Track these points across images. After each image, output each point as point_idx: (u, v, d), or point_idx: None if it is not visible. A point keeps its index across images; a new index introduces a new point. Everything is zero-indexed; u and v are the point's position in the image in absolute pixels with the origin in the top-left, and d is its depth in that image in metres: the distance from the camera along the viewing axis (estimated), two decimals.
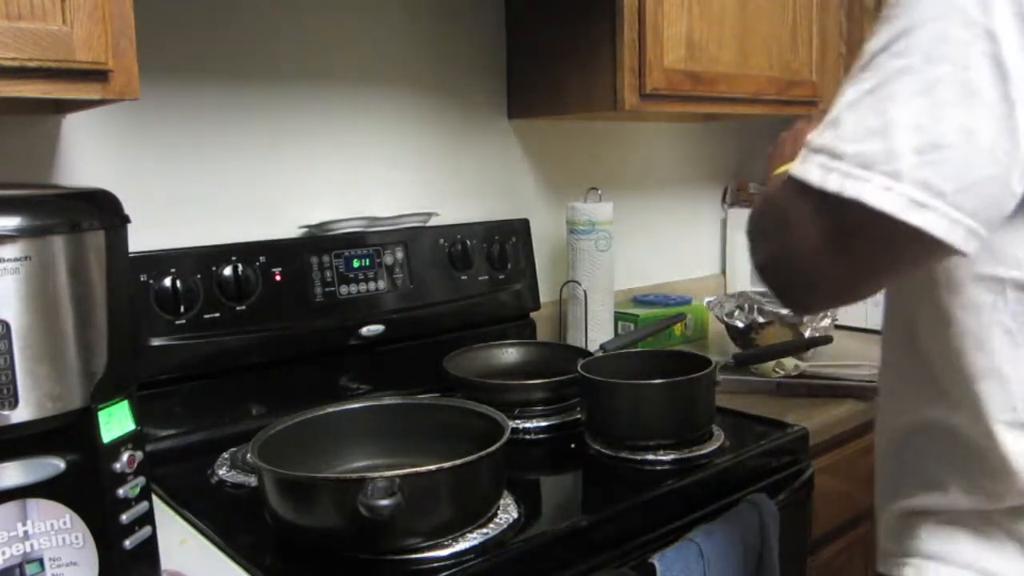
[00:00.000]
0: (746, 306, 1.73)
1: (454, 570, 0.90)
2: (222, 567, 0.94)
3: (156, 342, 1.23)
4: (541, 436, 1.33)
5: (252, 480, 1.13)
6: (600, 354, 1.42)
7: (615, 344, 1.47)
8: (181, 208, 1.34)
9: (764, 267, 0.73)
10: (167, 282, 1.24)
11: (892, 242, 0.64)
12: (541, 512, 1.07)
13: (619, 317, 1.79)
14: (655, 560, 1.01)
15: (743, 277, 2.19)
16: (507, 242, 1.64)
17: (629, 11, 1.47)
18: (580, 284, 1.69)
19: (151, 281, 1.23)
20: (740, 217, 2.19)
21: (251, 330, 1.31)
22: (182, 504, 1.08)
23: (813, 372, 1.58)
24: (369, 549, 0.92)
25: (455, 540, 0.94)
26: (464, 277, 1.58)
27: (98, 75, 0.89)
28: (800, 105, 1.84)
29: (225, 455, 1.23)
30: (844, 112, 0.66)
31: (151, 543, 0.84)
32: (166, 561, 0.87)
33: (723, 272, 2.29)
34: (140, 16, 0.92)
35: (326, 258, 1.41)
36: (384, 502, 0.85)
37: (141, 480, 0.82)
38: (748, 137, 2.30)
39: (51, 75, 0.86)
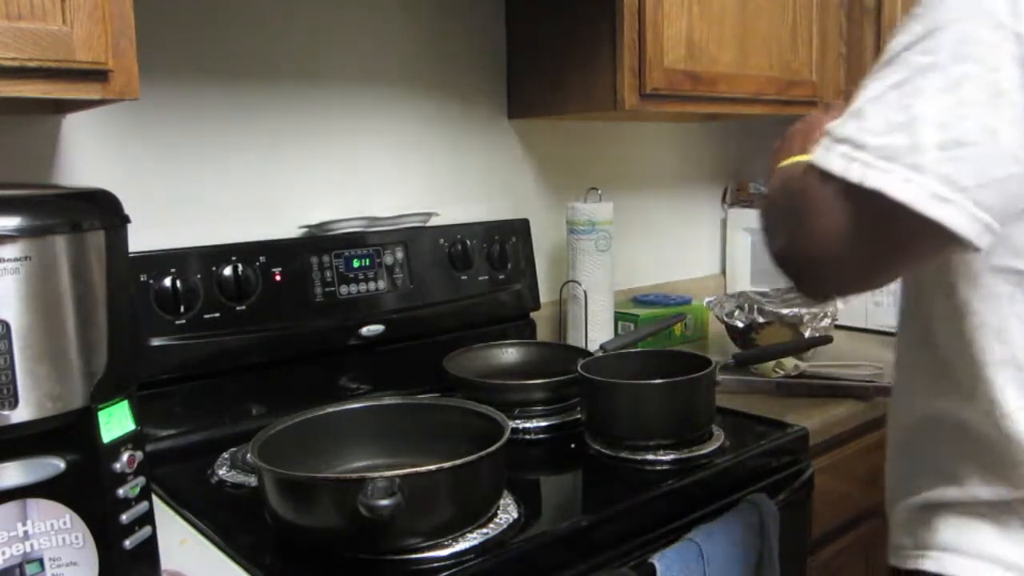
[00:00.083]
0: (746, 306, 1.73)
1: (454, 570, 0.90)
2: (222, 567, 0.94)
3: (156, 342, 1.23)
4: (541, 436, 1.33)
5: (252, 480, 1.13)
6: (600, 354, 1.42)
7: (615, 344, 1.47)
8: (181, 208, 1.34)
9: (781, 254, 0.74)
10: (167, 282, 1.24)
11: (910, 233, 0.66)
12: (541, 512, 1.06)
13: (619, 317, 1.79)
14: (655, 560, 1.01)
15: (743, 277, 2.19)
16: (507, 242, 1.64)
17: (629, 11, 1.47)
18: (580, 284, 1.69)
19: (151, 281, 1.23)
20: (740, 217, 2.19)
21: (251, 330, 1.31)
22: (182, 504, 1.08)
23: (813, 372, 1.58)
24: (369, 549, 0.92)
25: (455, 540, 0.94)
26: (464, 277, 1.58)
27: (98, 75, 0.89)
28: (800, 105, 1.84)
29: (225, 455, 1.23)
30: (869, 105, 0.67)
31: (151, 543, 0.84)
32: (166, 561, 0.87)
33: (723, 272, 2.29)
34: (140, 16, 0.92)
35: (326, 258, 1.41)
36: (384, 502, 0.85)
37: (141, 480, 0.82)
38: (748, 137, 2.30)
39: (51, 75, 0.86)
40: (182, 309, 1.25)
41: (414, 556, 0.92)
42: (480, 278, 1.60)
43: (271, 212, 1.44)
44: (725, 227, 2.26)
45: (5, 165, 1.18)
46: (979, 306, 0.75)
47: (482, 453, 0.94)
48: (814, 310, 1.69)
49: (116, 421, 0.80)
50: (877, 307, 1.93)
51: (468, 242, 1.58)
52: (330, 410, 1.14)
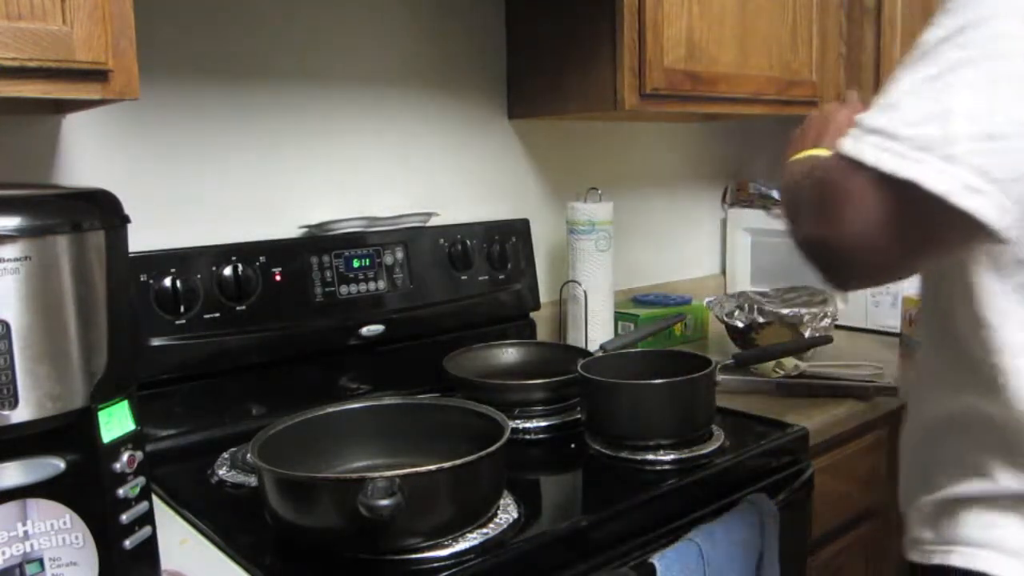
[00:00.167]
0: (746, 306, 1.73)
1: (454, 570, 0.90)
2: (222, 567, 0.94)
3: (156, 342, 1.23)
4: (541, 436, 1.33)
5: (252, 480, 1.13)
6: (600, 354, 1.42)
7: (615, 344, 1.47)
8: (181, 208, 1.34)
9: (808, 242, 0.74)
10: (167, 282, 1.24)
11: (941, 223, 0.67)
12: (541, 512, 1.06)
13: (619, 317, 1.79)
14: (655, 560, 1.01)
15: (743, 277, 2.19)
16: (507, 242, 1.64)
17: (629, 11, 1.47)
18: (580, 284, 1.69)
19: (151, 281, 1.23)
20: (740, 217, 2.19)
21: (251, 330, 1.31)
22: (182, 504, 1.08)
23: (813, 372, 1.58)
24: (369, 549, 0.92)
25: (455, 540, 0.94)
26: (464, 277, 1.58)
27: (98, 75, 0.89)
28: (800, 105, 1.84)
29: (225, 455, 1.23)
30: (902, 97, 0.68)
31: (151, 543, 0.84)
32: (166, 561, 0.87)
33: (723, 272, 2.29)
34: (140, 16, 0.92)
35: (326, 258, 1.41)
36: (384, 502, 0.85)
37: (141, 480, 0.82)
38: (748, 137, 2.30)
39: (51, 75, 0.86)
40: (182, 309, 1.25)
41: (414, 556, 0.92)
42: (480, 278, 1.60)
43: (271, 212, 1.44)
44: (725, 227, 2.26)
45: (5, 165, 1.18)
46: (1003, 299, 0.76)
47: (482, 453, 0.94)
48: (814, 310, 1.69)
49: (116, 421, 0.80)
50: (877, 307, 1.93)
51: (468, 242, 1.58)
52: (330, 410, 1.14)
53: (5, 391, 0.71)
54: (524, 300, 1.68)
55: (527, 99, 1.72)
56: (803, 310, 1.69)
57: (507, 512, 1.01)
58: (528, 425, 1.33)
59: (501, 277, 1.63)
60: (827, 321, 1.69)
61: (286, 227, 1.45)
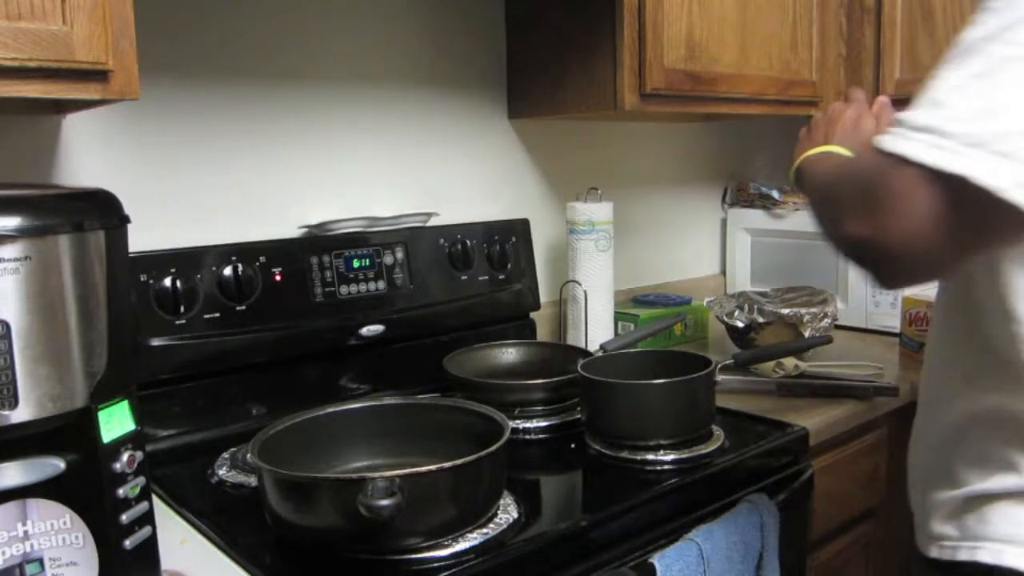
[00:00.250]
0: (746, 306, 1.73)
1: (454, 570, 0.90)
2: (222, 567, 0.94)
3: (156, 342, 1.23)
4: (541, 436, 1.33)
5: (252, 480, 1.13)
6: (600, 354, 1.42)
7: (615, 344, 1.47)
8: (181, 208, 1.34)
9: (852, 242, 0.74)
10: (167, 282, 1.24)
11: (991, 219, 0.67)
12: (541, 512, 1.06)
13: (619, 317, 1.79)
14: (655, 560, 1.01)
15: (743, 277, 2.19)
16: (507, 242, 1.64)
17: (629, 11, 1.48)
18: (580, 284, 1.69)
19: (151, 281, 1.23)
20: (740, 217, 2.19)
21: (251, 330, 1.31)
22: (182, 504, 1.08)
23: (813, 372, 1.58)
24: (369, 549, 0.92)
25: (455, 540, 0.94)
26: (464, 277, 1.58)
27: (98, 75, 0.89)
28: (800, 105, 1.84)
29: (225, 455, 1.23)
30: (950, 94, 0.68)
31: (151, 543, 0.84)
32: (166, 561, 0.87)
33: (723, 272, 2.29)
34: (140, 16, 0.92)
35: (326, 258, 1.41)
36: (384, 502, 0.85)
37: (141, 480, 0.82)
38: (748, 137, 2.30)
39: (51, 75, 0.86)
40: (182, 309, 1.25)
41: (414, 556, 0.92)
42: (480, 278, 1.60)
43: (271, 212, 1.44)
44: (725, 227, 2.26)
45: (5, 165, 1.18)
46: None
47: (482, 453, 0.94)
48: (814, 310, 1.69)
49: (116, 421, 0.80)
50: (878, 307, 1.93)
51: (468, 242, 1.58)
52: (330, 410, 1.14)
53: (5, 391, 0.71)
54: (524, 300, 1.68)
55: (527, 99, 1.72)
56: (803, 310, 1.69)
57: (507, 512, 1.01)
58: (528, 425, 1.33)
59: (501, 277, 1.63)
60: (827, 321, 1.69)
61: (286, 227, 1.45)
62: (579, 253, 1.69)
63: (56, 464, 0.76)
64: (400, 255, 1.50)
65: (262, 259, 1.34)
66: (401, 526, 0.90)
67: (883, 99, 1.08)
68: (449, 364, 1.44)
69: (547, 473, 1.24)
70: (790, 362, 1.58)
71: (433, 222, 1.57)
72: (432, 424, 1.14)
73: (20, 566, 0.75)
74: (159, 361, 1.23)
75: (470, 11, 1.67)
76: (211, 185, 1.37)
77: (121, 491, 0.80)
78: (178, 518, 1.06)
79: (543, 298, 1.75)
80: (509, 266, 1.64)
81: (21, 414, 0.72)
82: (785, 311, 1.69)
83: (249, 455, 0.99)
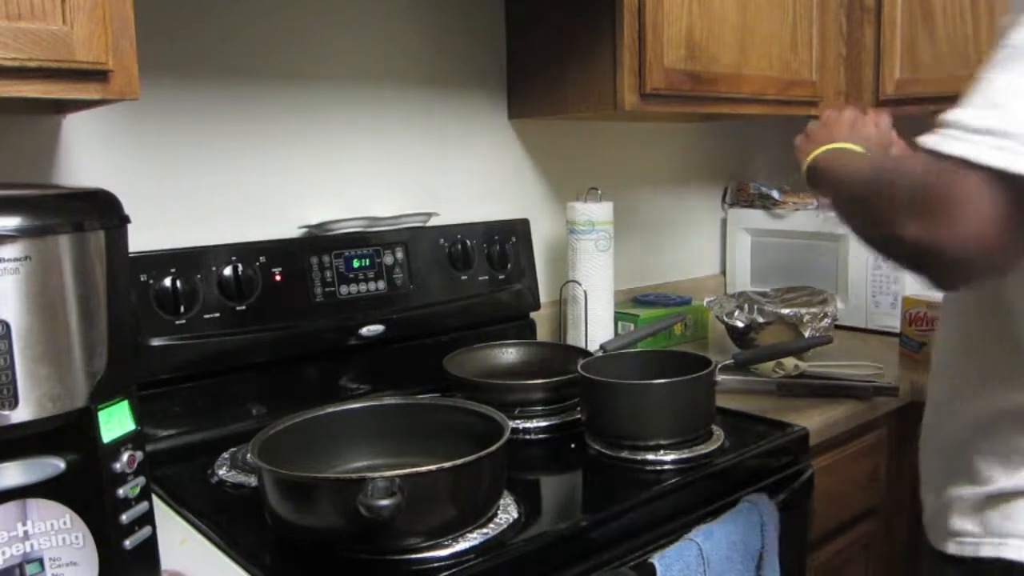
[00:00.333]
0: (746, 306, 1.73)
1: (454, 570, 0.90)
2: (222, 567, 0.94)
3: (156, 342, 1.23)
4: (541, 436, 1.33)
5: (252, 480, 1.13)
6: (600, 354, 1.42)
7: (615, 344, 1.47)
8: (181, 208, 1.34)
9: (908, 245, 0.74)
10: (167, 282, 1.24)
11: None
12: (541, 512, 1.06)
13: (619, 317, 1.79)
14: (655, 560, 1.01)
15: (743, 277, 2.19)
16: (507, 242, 1.64)
17: (629, 11, 1.48)
18: (580, 284, 1.69)
19: (151, 281, 1.23)
20: (740, 217, 2.19)
21: (251, 330, 1.31)
22: (182, 504, 1.08)
23: (813, 372, 1.58)
24: (369, 549, 0.92)
25: (455, 540, 0.94)
26: (464, 277, 1.58)
27: (98, 75, 0.89)
28: (800, 105, 1.84)
29: (225, 455, 1.23)
30: (1006, 97, 0.69)
31: (151, 543, 0.84)
32: (166, 561, 0.87)
33: (723, 272, 2.29)
34: (140, 16, 0.92)
35: (326, 258, 1.41)
36: (384, 502, 0.85)
37: (141, 480, 0.82)
38: (748, 137, 2.30)
39: (51, 75, 0.86)
40: (182, 309, 1.25)
41: (414, 556, 0.92)
42: (480, 278, 1.60)
43: (271, 212, 1.44)
44: (725, 227, 2.26)
45: (5, 165, 1.18)
46: None
47: (482, 453, 0.94)
48: (814, 310, 1.69)
49: (116, 421, 0.80)
50: (878, 308, 1.93)
51: (468, 242, 1.58)
52: (330, 410, 1.14)
53: (5, 391, 0.71)
54: (524, 300, 1.68)
55: (527, 99, 1.72)
56: (803, 310, 1.69)
57: (507, 512, 1.01)
58: (528, 425, 1.33)
59: (501, 277, 1.63)
60: (827, 321, 1.69)
61: (286, 227, 1.45)
62: (579, 253, 1.69)
63: (56, 464, 0.76)
64: (400, 255, 1.50)
65: (262, 259, 1.34)
66: (401, 526, 0.90)
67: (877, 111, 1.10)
68: (449, 364, 1.44)
69: (547, 473, 1.24)
70: (790, 362, 1.58)
71: (433, 222, 1.57)
72: (432, 424, 1.14)
73: (20, 566, 0.75)
74: (159, 361, 1.23)
75: (470, 10, 1.67)
76: (211, 185, 1.37)
77: (121, 491, 0.80)
78: (178, 518, 1.06)
79: (543, 298, 1.75)
80: (509, 266, 1.64)
81: (21, 414, 0.72)
82: (785, 311, 1.69)
83: (249, 455, 0.99)
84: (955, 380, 0.96)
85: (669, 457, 1.19)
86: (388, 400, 1.19)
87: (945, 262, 0.72)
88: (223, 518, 1.04)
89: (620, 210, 1.77)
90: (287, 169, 1.45)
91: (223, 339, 1.29)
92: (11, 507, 0.75)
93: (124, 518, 0.80)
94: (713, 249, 2.29)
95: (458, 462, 0.91)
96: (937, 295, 1.72)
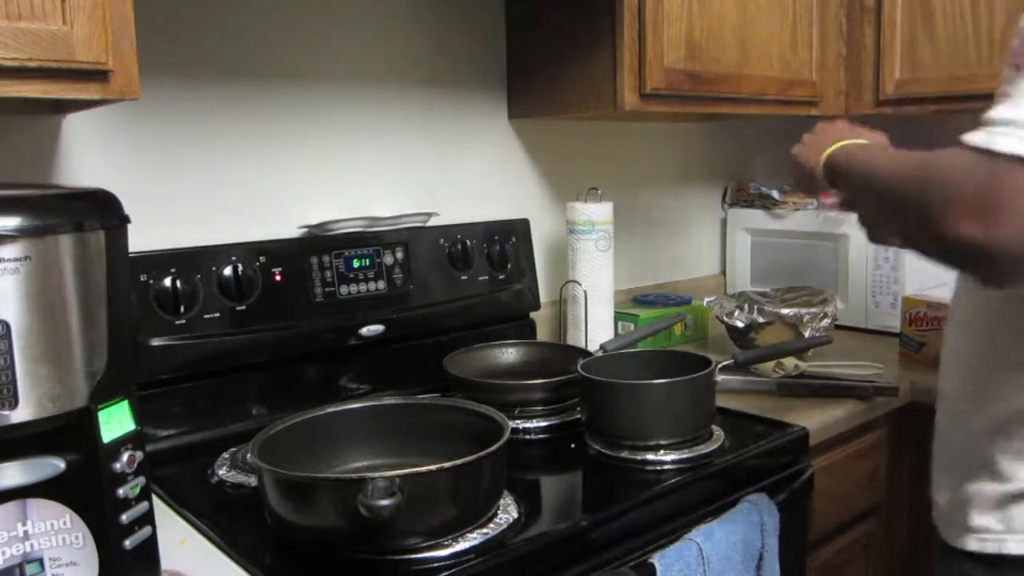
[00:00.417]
0: (746, 306, 1.73)
1: (454, 570, 0.90)
2: (222, 567, 0.94)
3: (156, 342, 1.23)
4: (541, 436, 1.33)
5: (252, 480, 1.13)
6: (600, 354, 1.42)
7: (615, 344, 1.47)
8: (181, 208, 1.34)
9: (959, 242, 0.73)
10: (167, 282, 1.24)
11: None
12: (541, 512, 1.06)
13: (619, 317, 1.79)
14: (655, 560, 1.01)
15: (743, 277, 2.19)
16: (507, 242, 1.64)
17: (629, 11, 1.47)
18: (580, 284, 1.69)
19: (151, 281, 1.23)
20: (740, 217, 2.19)
21: (251, 330, 1.31)
22: (182, 504, 1.08)
23: (813, 372, 1.58)
24: (369, 549, 0.92)
25: (455, 540, 0.94)
26: (464, 277, 1.58)
27: (98, 75, 0.89)
28: (800, 105, 1.84)
29: (225, 455, 1.23)
30: None
31: (151, 543, 0.84)
32: (166, 561, 0.87)
33: (723, 272, 2.29)
34: (140, 16, 0.92)
35: (326, 258, 1.41)
36: (384, 502, 0.85)
37: (141, 480, 0.82)
38: (748, 137, 2.30)
39: (51, 75, 0.86)
40: (182, 309, 1.25)
41: (414, 556, 0.92)
42: (480, 278, 1.60)
43: (271, 212, 1.44)
44: (725, 227, 2.26)
45: (5, 165, 1.18)
46: None
47: (482, 453, 0.94)
48: (814, 310, 1.69)
49: (116, 421, 0.80)
50: (878, 308, 1.93)
51: (468, 242, 1.58)
52: (330, 410, 1.14)
53: (5, 391, 0.71)
54: (524, 300, 1.68)
55: (527, 99, 1.72)
56: (803, 310, 1.69)
57: (507, 512, 1.01)
58: (528, 425, 1.33)
59: (501, 277, 1.63)
60: (827, 321, 1.69)
61: (286, 227, 1.45)
62: (579, 253, 1.69)
63: (56, 464, 0.76)
64: (400, 255, 1.50)
65: (262, 259, 1.34)
66: (401, 526, 0.90)
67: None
68: (449, 364, 1.44)
69: (547, 473, 1.24)
70: (790, 362, 1.58)
71: (433, 222, 1.57)
72: (432, 424, 1.14)
73: (20, 566, 0.75)
74: (159, 361, 1.23)
75: (470, 10, 1.67)
76: (211, 185, 1.37)
77: (121, 491, 0.80)
78: (178, 518, 1.06)
79: (543, 298, 1.75)
80: (509, 266, 1.64)
81: (21, 414, 0.72)
82: (785, 311, 1.69)
83: (249, 455, 0.99)
84: (976, 379, 0.96)
85: (669, 457, 1.19)
86: (388, 400, 1.19)
87: (999, 260, 0.72)
88: (223, 518, 1.04)
89: (620, 210, 1.77)
90: (287, 169, 1.45)
91: (223, 339, 1.29)
92: (11, 507, 0.75)
93: (124, 518, 0.80)
94: (713, 249, 2.29)
95: (458, 462, 0.91)
96: (937, 295, 1.73)
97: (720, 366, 1.29)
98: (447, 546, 0.93)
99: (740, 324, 1.72)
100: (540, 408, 1.35)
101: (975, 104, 1.83)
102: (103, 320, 0.77)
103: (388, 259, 1.48)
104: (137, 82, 0.92)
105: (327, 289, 1.40)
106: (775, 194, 2.13)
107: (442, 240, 1.56)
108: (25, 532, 0.75)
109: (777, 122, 2.15)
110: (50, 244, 0.73)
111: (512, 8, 1.71)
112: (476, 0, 1.68)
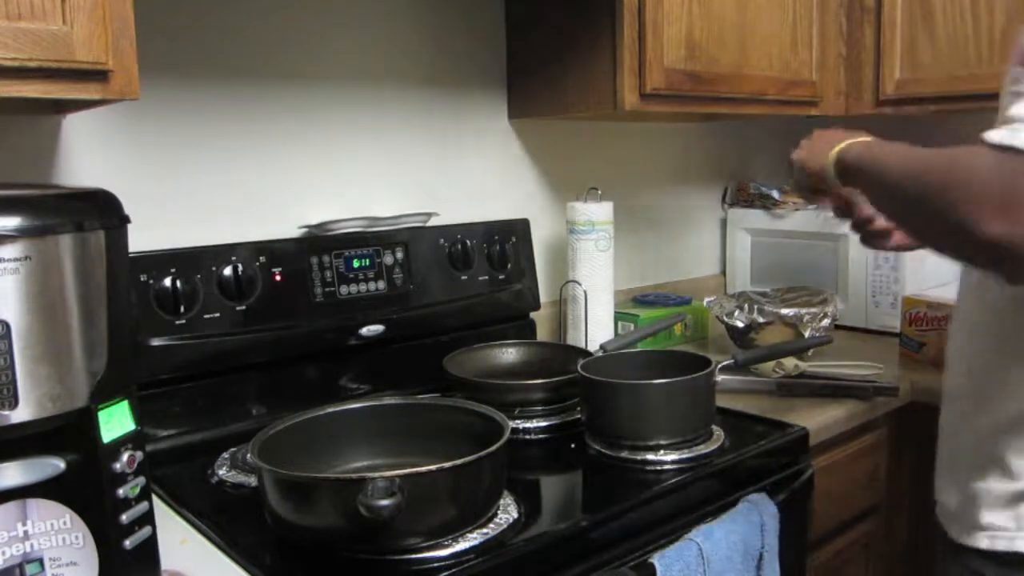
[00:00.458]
0: (746, 306, 1.73)
1: (454, 570, 0.90)
2: (222, 567, 0.94)
3: (156, 342, 1.23)
4: (541, 436, 1.33)
5: (252, 480, 1.13)
6: (600, 354, 1.42)
7: (615, 344, 1.47)
8: (181, 208, 1.34)
9: (989, 241, 0.73)
10: (167, 282, 1.24)
11: None
12: (541, 512, 1.06)
13: (619, 317, 1.79)
14: (655, 560, 1.01)
15: (743, 277, 2.19)
16: (507, 242, 1.64)
17: (629, 11, 1.47)
18: (580, 284, 1.69)
19: (151, 281, 1.23)
20: (740, 217, 2.19)
21: (251, 330, 1.31)
22: (182, 504, 1.08)
23: (813, 372, 1.58)
24: (369, 549, 0.92)
25: (455, 540, 0.94)
26: (464, 277, 1.58)
27: (98, 75, 0.89)
28: (800, 105, 1.84)
29: (225, 455, 1.23)
30: None
31: (151, 543, 0.84)
32: (166, 561, 0.87)
33: (723, 272, 2.29)
34: (140, 16, 0.92)
35: (326, 258, 1.41)
36: (384, 502, 0.85)
37: (141, 480, 0.82)
38: (748, 137, 2.30)
39: (51, 75, 0.86)
40: (182, 309, 1.25)
41: (414, 556, 0.92)
42: (480, 278, 1.60)
43: (271, 212, 1.44)
44: (725, 227, 2.26)
45: (5, 165, 1.18)
46: None
47: (482, 453, 0.94)
48: (814, 310, 1.69)
49: (116, 421, 0.80)
50: (878, 308, 1.93)
51: (468, 242, 1.58)
52: (330, 410, 1.14)
53: (5, 391, 0.71)
54: (524, 300, 1.68)
55: (527, 99, 1.72)
56: (803, 310, 1.69)
57: (507, 512, 1.01)
58: (528, 425, 1.33)
59: (501, 277, 1.63)
60: (827, 321, 1.69)
61: (286, 227, 1.45)
62: (579, 253, 1.69)
63: (56, 464, 0.76)
64: (400, 255, 1.50)
65: (262, 259, 1.34)
66: (401, 526, 0.90)
67: None
68: (449, 364, 1.44)
69: (547, 473, 1.24)
70: (790, 362, 1.58)
71: (433, 222, 1.57)
72: (432, 424, 1.14)
73: (20, 566, 0.75)
74: (159, 361, 1.23)
75: (470, 10, 1.67)
76: (211, 185, 1.37)
77: (121, 491, 0.80)
78: (178, 518, 1.06)
79: (543, 298, 1.75)
80: (509, 266, 1.64)
81: (21, 414, 0.72)
82: (785, 311, 1.69)
83: (249, 455, 0.99)
84: (983, 378, 0.96)
85: (669, 457, 1.19)
86: (388, 400, 1.19)
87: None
88: (223, 518, 1.04)
89: (620, 210, 1.77)
90: (287, 169, 1.45)
91: (223, 339, 1.29)
92: (11, 507, 0.75)
93: (124, 518, 0.80)
94: (713, 249, 2.29)
95: (458, 462, 0.91)
96: (938, 295, 1.73)
97: (720, 366, 1.29)
98: (447, 546, 0.93)
99: (740, 324, 1.72)
100: (540, 408, 1.35)
101: (975, 104, 1.84)
102: (103, 320, 0.77)
103: (388, 259, 1.48)
104: (137, 82, 0.92)
105: (327, 289, 1.40)
106: (775, 194, 2.13)
107: (442, 240, 1.56)
108: (25, 532, 0.75)
109: (777, 122, 2.15)
110: (50, 244, 0.73)
111: (512, 8, 1.71)
112: (476, 0, 1.68)
